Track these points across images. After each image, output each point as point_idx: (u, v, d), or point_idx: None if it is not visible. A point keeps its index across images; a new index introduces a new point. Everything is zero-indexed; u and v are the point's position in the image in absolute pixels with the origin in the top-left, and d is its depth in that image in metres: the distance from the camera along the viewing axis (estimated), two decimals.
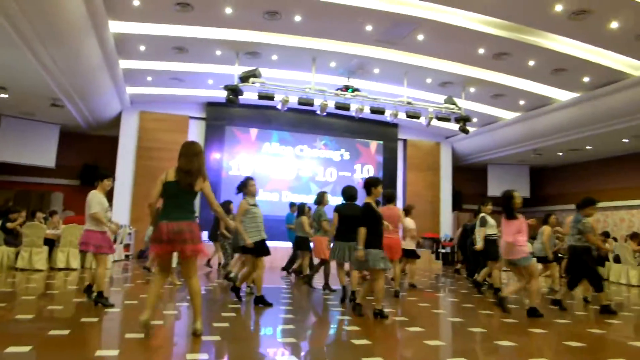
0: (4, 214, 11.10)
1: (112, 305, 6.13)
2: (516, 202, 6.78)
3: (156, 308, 4.88)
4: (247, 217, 6.85)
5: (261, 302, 6.77)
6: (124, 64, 12.63)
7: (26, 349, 3.97)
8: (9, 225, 10.80)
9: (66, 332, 4.66)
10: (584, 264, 7.18)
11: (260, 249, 6.88)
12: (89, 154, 17.16)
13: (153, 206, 4.83)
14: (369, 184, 6.48)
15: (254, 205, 6.96)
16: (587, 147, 16.16)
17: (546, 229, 9.60)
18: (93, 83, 12.37)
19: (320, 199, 9.01)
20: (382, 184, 6.59)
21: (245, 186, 7.03)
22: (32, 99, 12.85)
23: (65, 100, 12.86)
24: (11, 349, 3.93)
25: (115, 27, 10.59)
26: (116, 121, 16.14)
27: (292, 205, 12.01)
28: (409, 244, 9.74)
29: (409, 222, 9.78)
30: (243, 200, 6.94)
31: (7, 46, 9.17)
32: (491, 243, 8.81)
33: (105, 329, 5.15)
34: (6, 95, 12.57)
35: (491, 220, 9.09)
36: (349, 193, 7.43)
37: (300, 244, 10.20)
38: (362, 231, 6.13)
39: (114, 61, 11.80)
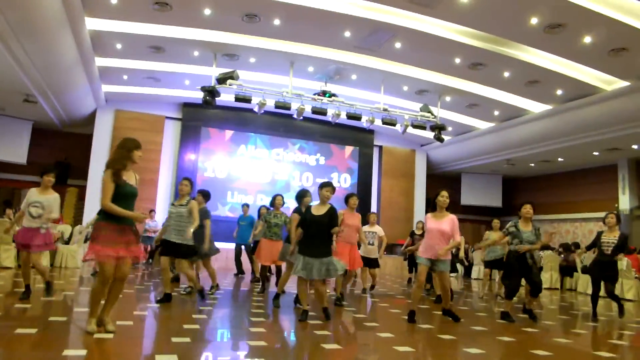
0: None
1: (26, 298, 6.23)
2: (439, 199, 6.73)
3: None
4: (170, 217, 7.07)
5: (167, 300, 6.76)
6: (100, 61, 12.48)
7: None
8: None
9: (33, 331, 4.58)
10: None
11: (164, 248, 6.98)
12: (61, 151, 16.92)
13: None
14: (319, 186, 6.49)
15: (173, 204, 7.12)
16: (559, 159, 16.51)
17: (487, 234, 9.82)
18: (68, 80, 12.20)
19: (273, 202, 8.89)
20: (329, 186, 6.41)
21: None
22: (3, 94, 12.61)
23: (38, 96, 12.66)
24: None
25: (92, 24, 10.46)
26: (91, 119, 15.93)
27: (244, 206, 11.98)
28: (368, 252, 9.64)
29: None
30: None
31: None
32: None
33: (73, 328, 5.07)
34: None
35: None
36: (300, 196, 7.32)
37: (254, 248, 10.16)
38: (296, 231, 6.51)
39: (89, 58, 11.65)
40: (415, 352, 5.05)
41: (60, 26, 9.41)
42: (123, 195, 4.61)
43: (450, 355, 4.94)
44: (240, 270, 12.02)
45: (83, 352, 4.00)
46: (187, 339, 4.70)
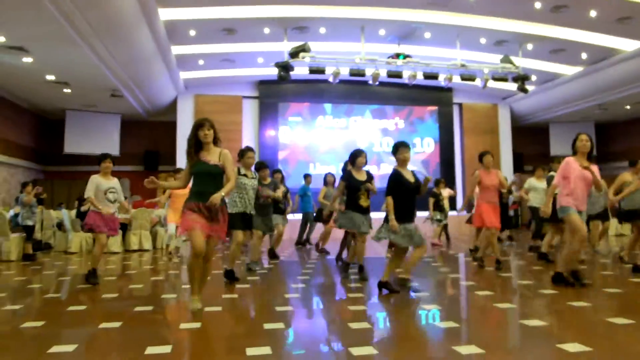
0: (80, 202, 11.65)
1: (97, 284, 6.34)
2: (577, 144, 5.85)
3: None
4: (236, 187, 6.42)
5: (229, 277, 6.46)
6: (176, 49, 12.88)
7: (117, 324, 4.21)
8: (83, 208, 11.33)
9: (150, 308, 4.90)
10: None
11: (235, 222, 6.39)
12: (149, 140, 17.81)
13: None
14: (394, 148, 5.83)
15: (244, 175, 6.60)
16: None
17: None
18: (148, 71, 12.72)
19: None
20: (408, 147, 5.78)
21: (242, 157, 6.76)
22: (92, 91, 13.37)
23: (123, 90, 13.31)
24: (104, 325, 4.18)
25: (165, 14, 10.80)
26: (173, 106, 16.56)
27: (306, 176, 11.83)
28: None
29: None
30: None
31: (66, 43, 9.57)
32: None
33: (183, 305, 5.35)
34: (69, 91, 13.14)
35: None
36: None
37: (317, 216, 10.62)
38: (389, 201, 5.55)
39: (166, 48, 12.06)
40: (516, 308, 4.95)
41: (137, 20, 9.79)
42: (195, 174, 4.79)
43: (554, 310, 4.79)
44: (304, 241, 12.00)
45: (198, 324, 4.22)
46: (290, 308, 4.85)
